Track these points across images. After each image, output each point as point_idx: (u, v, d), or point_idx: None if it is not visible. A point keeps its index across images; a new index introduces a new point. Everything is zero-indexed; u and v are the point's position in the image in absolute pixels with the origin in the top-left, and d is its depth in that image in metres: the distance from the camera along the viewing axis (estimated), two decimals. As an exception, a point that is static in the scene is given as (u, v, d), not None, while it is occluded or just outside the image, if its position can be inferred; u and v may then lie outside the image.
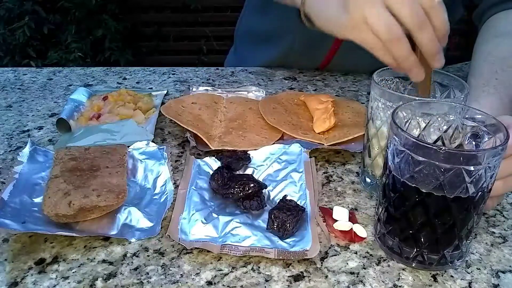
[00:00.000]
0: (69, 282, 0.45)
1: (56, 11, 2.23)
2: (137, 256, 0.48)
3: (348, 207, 0.56)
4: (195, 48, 2.61)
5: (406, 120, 0.49)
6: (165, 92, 0.84)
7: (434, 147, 0.42)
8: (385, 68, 0.57)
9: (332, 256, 0.48)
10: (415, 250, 0.46)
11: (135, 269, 0.46)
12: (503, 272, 0.47)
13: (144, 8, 2.57)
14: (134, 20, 2.50)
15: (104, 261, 0.47)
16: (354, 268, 0.47)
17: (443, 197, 0.42)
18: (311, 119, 0.73)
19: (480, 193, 0.43)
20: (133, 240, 0.50)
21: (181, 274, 0.46)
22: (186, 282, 0.45)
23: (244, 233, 0.50)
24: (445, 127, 0.49)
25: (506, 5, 0.77)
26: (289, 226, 0.49)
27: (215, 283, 0.45)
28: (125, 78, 0.93)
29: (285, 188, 0.57)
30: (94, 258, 0.47)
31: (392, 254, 0.48)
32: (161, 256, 0.48)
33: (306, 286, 0.45)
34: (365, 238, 0.51)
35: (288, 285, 0.45)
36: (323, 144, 0.66)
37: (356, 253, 0.49)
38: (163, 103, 0.78)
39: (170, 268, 0.46)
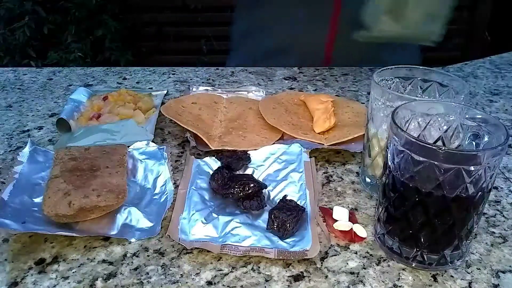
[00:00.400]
0: (69, 282, 0.45)
1: (56, 11, 2.23)
2: (137, 256, 0.48)
3: (348, 207, 0.56)
4: (195, 48, 2.61)
5: (406, 120, 0.49)
6: (165, 92, 0.84)
7: (434, 147, 0.42)
8: (385, 68, 0.57)
9: (332, 256, 0.49)
10: (415, 250, 0.46)
11: (135, 269, 0.46)
12: (503, 272, 0.47)
13: (144, 8, 2.57)
14: (134, 20, 2.50)
15: (104, 261, 0.47)
16: (354, 268, 0.47)
17: (443, 197, 0.42)
18: (311, 119, 0.73)
19: (480, 193, 0.43)
20: (133, 240, 0.50)
21: (181, 274, 0.46)
22: (186, 282, 0.45)
23: (244, 233, 0.50)
24: (445, 127, 0.49)
25: None
26: (289, 226, 0.49)
27: (215, 283, 0.45)
28: (125, 78, 0.93)
29: (285, 188, 0.57)
30: (94, 258, 0.47)
31: (392, 254, 0.48)
32: (161, 256, 0.48)
33: (306, 286, 0.45)
34: (365, 238, 0.51)
35: (288, 285, 0.45)
36: (323, 144, 0.66)
37: (356, 253, 0.49)
38: (163, 103, 0.78)
39: (170, 268, 0.46)
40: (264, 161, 0.62)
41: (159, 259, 0.48)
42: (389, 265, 0.48)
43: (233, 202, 0.54)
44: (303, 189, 0.57)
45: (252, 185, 0.53)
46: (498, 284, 0.46)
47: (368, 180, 0.59)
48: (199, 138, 0.66)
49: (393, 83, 0.58)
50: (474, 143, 0.47)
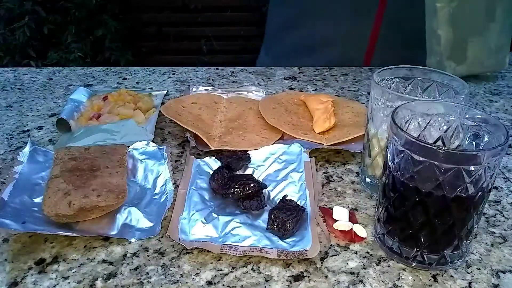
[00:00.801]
0: (69, 282, 0.45)
1: (56, 11, 2.23)
2: (137, 256, 0.48)
3: (348, 207, 0.56)
4: (195, 48, 2.61)
5: (406, 120, 0.49)
6: (165, 92, 0.84)
7: (434, 147, 0.42)
8: (385, 68, 0.57)
9: (332, 256, 0.48)
10: (415, 250, 0.46)
11: (135, 269, 0.46)
12: (503, 272, 0.47)
13: (144, 8, 2.57)
14: (134, 20, 2.50)
15: (104, 261, 0.47)
16: (354, 268, 0.47)
17: (443, 197, 0.42)
18: (311, 119, 0.73)
19: (480, 193, 0.43)
20: (133, 240, 0.50)
21: (181, 274, 0.46)
22: (186, 282, 0.45)
23: (244, 233, 0.50)
24: (445, 127, 0.49)
25: None
26: (289, 226, 0.49)
27: (215, 283, 0.45)
28: (125, 78, 0.93)
29: (285, 188, 0.57)
30: (94, 258, 0.47)
31: (392, 254, 0.48)
32: (161, 256, 0.48)
33: (306, 286, 0.45)
34: (365, 238, 0.51)
35: (288, 285, 0.45)
36: (323, 144, 0.66)
37: (356, 253, 0.49)
38: (163, 103, 0.78)
39: (170, 268, 0.46)
40: (264, 161, 0.62)
41: (159, 259, 0.48)
42: (389, 265, 0.48)
43: (233, 202, 0.54)
44: (303, 189, 0.57)
45: (252, 185, 0.53)
46: (498, 284, 0.46)
47: (368, 180, 0.59)
48: (199, 138, 0.66)
49: (393, 83, 0.58)
50: (474, 143, 0.47)
